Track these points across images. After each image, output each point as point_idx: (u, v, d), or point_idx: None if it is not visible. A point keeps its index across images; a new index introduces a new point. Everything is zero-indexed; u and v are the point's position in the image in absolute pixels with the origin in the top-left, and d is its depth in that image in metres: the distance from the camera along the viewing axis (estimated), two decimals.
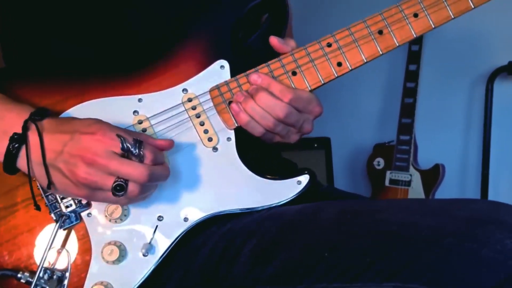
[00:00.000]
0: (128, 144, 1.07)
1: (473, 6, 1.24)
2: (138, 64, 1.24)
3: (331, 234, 1.07)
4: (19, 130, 1.10)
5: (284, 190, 1.23)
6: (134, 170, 1.07)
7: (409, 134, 3.22)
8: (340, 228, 1.08)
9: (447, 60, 3.27)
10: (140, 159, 1.08)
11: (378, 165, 3.34)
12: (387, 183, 3.29)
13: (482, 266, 0.92)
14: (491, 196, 3.16)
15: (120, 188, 1.06)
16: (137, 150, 1.07)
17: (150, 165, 1.09)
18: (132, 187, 1.08)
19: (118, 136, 1.07)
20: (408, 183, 3.22)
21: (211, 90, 1.23)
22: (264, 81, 1.20)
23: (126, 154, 1.08)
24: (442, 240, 0.96)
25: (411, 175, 3.23)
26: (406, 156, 3.23)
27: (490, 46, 3.13)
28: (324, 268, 1.03)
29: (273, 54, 1.27)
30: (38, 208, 1.16)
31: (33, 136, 1.10)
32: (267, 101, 1.19)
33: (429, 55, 3.30)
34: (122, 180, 1.07)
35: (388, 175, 3.30)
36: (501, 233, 0.95)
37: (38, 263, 1.17)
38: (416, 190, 3.21)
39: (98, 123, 1.10)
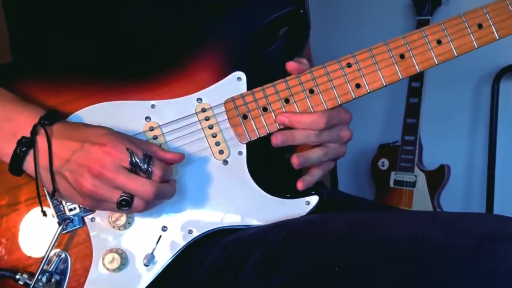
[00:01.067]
0: (137, 159, 1.06)
1: (498, 37, 1.22)
2: (145, 68, 1.23)
3: (340, 247, 1.05)
4: (28, 134, 1.08)
5: (292, 210, 1.21)
6: (140, 187, 1.05)
7: (414, 134, 3.18)
8: (350, 241, 1.05)
9: (453, 59, 3.22)
10: (148, 175, 1.07)
11: (383, 165, 3.32)
12: (391, 184, 3.26)
13: (496, 285, 0.90)
14: (497, 197, 3.14)
15: (125, 203, 1.05)
16: (145, 166, 1.06)
17: (158, 182, 1.08)
18: (137, 203, 1.07)
19: (128, 150, 1.06)
20: (413, 184, 3.20)
21: (226, 102, 1.21)
22: (292, 120, 1.21)
23: (134, 169, 1.06)
24: (454, 257, 0.94)
25: (416, 176, 3.20)
26: (411, 157, 3.20)
27: (496, 45, 3.04)
28: (333, 283, 1.01)
29: None
30: (44, 214, 1.15)
31: (41, 141, 1.08)
32: (301, 137, 1.21)
33: None
34: (128, 195, 1.06)
35: (393, 176, 3.27)
36: None
37: (37, 264, 1.15)
38: (421, 191, 3.19)
39: (110, 134, 1.08)
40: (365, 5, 3.55)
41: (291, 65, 1.22)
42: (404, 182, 3.23)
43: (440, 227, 1.03)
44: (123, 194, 1.06)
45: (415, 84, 3.18)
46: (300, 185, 1.23)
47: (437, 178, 3.20)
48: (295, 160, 1.21)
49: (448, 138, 3.43)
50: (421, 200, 3.18)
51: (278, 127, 1.21)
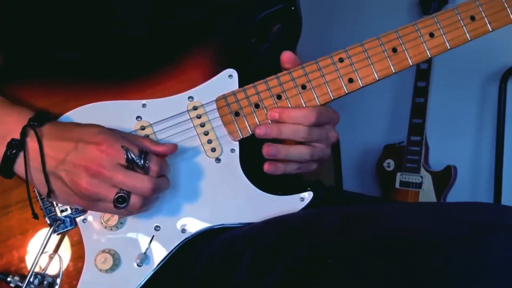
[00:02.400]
0: (133, 155, 1.05)
1: (491, 30, 1.21)
2: (141, 68, 1.22)
3: (334, 240, 1.04)
4: (18, 136, 1.07)
5: (286, 206, 1.20)
6: (139, 183, 1.05)
7: (420, 134, 3.16)
8: (344, 234, 1.04)
9: (459, 59, 3.16)
10: (145, 171, 1.06)
11: (388, 166, 3.29)
12: (397, 185, 3.23)
13: (489, 273, 0.89)
14: (504, 198, 3.12)
15: (122, 200, 1.05)
16: (142, 162, 1.06)
17: (155, 177, 1.08)
18: (134, 200, 1.07)
19: (123, 147, 1.05)
20: (419, 185, 3.17)
21: (217, 100, 1.20)
22: (283, 114, 1.19)
23: (131, 165, 1.06)
24: (448, 246, 0.94)
25: (422, 177, 3.17)
26: (417, 158, 3.17)
27: (503, 44, 3.03)
28: (328, 277, 1.00)
29: None
30: (36, 217, 1.14)
31: (32, 143, 1.07)
32: (288, 131, 1.19)
33: None
34: (124, 192, 1.05)
35: (399, 177, 3.24)
36: (509, 239, 0.92)
37: (29, 267, 1.15)
38: (427, 193, 3.16)
39: (103, 133, 1.08)
40: (370, 3, 3.54)
41: (287, 55, 1.21)
42: (410, 183, 3.20)
43: (435, 217, 1.03)
44: (119, 191, 1.05)
45: (421, 84, 3.15)
46: (266, 167, 1.19)
47: (444, 179, 3.18)
48: (265, 148, 1.18)
49: (454, 138, 3.41)
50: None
51: (270, 123, 1.20)
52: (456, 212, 1.04)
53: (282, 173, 1.21)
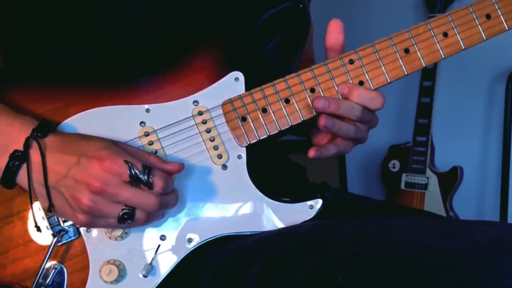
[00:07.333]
0: (136, 171, 1.02)
1: (507, 28, 1.18)
2: (142, 70, 1.19)
3: (345, 256, 1.01)
4: (20, 147, 1.04)
5: (295, 214, 1.17)
6: (144, 200, 1.03)
7: (426, 135, 3.14)
8: (354, 249, 1.01)
9: (466, 58, 3.11)
10: (149, 186, 1.03)
11: (394, 167, 3.27)
12: (402, 186, 3.21)
13: None
14: (511, 199, 3.10)
15: (127, 217, 1.03)
16: (145, 177, 1.03)
17: (160, 193, 1.05)
18: (139, 215, 1.04)
19: (126, 162, 1.02)
20: (425, 186, 3.15)
21: (223, 104, 1.16)
22: (353, 91, 1.18)
23: (134, 181, 1.03)
24: (461, 267, 0.90)
25: (428, 178, 3.15)
26: (422, 158, 3.15)
27: (510, 43, 3.01)
28: None
29: (289, 63, 1.21)
30: (38, 229, 1.12)
31: (35, 155, 1.04)
32: (347, 108, 1.18)
33: None
34: (129, 208, 1.03)
35: (404, 178, 3.22)
36: None
37: (33, 278, 1.11)
38: (433, 194, 3.14)
39: (108, 148, 1.04)
40: (375, 2, 3.51)
41: (335, 24, 1.21)
42: (416, 184, 3.18)
43: (447, 235, 1.00)
44: (124, 207, 1.03)
45: (427, 83, 3.13)
46: (312, 153, 1.17)
47: (450, 180, 3.16)
48: (322, 119, 1.15)
49: (461, 139, 3.39)
50: (433, 203, 3.13)
51: (278, 128, 1.17)
52: (469, 230, 1.00)
53: (323, 158, 1.19)
